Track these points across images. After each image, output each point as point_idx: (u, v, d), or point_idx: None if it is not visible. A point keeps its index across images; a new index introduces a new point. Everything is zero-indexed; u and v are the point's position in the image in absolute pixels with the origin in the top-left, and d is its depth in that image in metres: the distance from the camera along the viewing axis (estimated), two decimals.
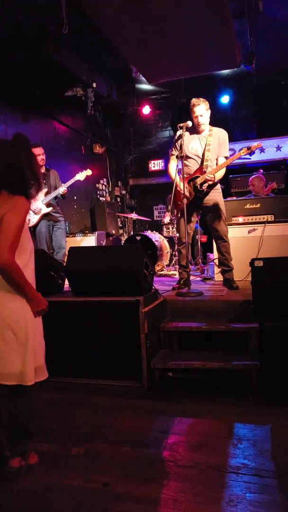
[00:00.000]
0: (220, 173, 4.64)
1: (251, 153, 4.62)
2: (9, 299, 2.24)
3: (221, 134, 4.70)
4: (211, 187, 4.65)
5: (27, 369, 2.24)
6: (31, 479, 2.31)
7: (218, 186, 4.76)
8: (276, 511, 1.97)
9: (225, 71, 9.16)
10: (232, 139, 9.82)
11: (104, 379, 3.65)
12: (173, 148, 4.76)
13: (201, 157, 4.67)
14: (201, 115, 4.59)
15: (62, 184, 6.02)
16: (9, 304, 2.24)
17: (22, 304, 2.27)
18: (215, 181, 4.59)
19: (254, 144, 4.64)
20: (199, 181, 4.58)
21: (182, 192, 4.46)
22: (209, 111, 4.67)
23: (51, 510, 2.08)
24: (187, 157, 4.65)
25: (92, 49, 7.37)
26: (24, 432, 2.39)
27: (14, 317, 2.24)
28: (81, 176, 6.17)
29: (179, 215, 4.83)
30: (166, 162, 11.19)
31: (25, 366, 2.24)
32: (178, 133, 4.51)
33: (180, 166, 4.62)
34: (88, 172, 6.27)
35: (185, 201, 4.41)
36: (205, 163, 4.63)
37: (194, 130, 4.70)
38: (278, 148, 9.52)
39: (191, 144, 4.68)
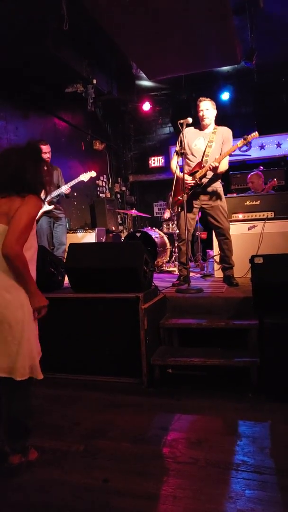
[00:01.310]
0: (224, 164, 4.59)
1: (249, 143, 4.57)
2: (8, 291, 2.25)
3: (225, 131, 4.69)
4: (210, 181, 4.65)
5: (18, 363, 2.24)
6: (31, 475, 2.32)
7: (219, 183, 4.75)
8: (276, 508, 1.97)
9: (226, 68, 9.13)
10: (232, 135, 9.85)
11: (104, 375, 3.66)
12: (177, 146, 4.77)
13: (202, 154, 4.67)
14: (206, 109, 4.59)
15: (65, 183, 6.01)
16: (7, 296, 2.25)
17: (21, 298, 2.28)
18: (218, 171, 4.57)
19: (250, 135, 4.53)
20: (198, 175, 4.57)
21: (183, 187, 4.46)
22: (215, 111, 4.69)
23: (51, 506, 2.09)
24: (191, 154, 4.65)
25: (92, 46, 7.34)
26: (22, 430, 2.39)
27: (11, 309, 2.25)
28: (85, 177, 6.15)
29: (178, 210, 4.83)
30: (166, 159, 11.24)
31: (17, 360, 2.24)
32: (185, 130, 4.51)
33: (181, 163, 4.63)
34: (93, 173, 6.24)
35: (184, 196, 4.42)
36: (204, 158, 4.61)
37: (199, 127, 4.70)
38: (278, 145, 9.51)
39: (195, 141, 4.69)
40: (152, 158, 11.04)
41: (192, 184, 4.57)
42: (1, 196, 2.33)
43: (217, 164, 4.48)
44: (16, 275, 2.24)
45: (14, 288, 2.26)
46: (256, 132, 4.56)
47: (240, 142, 4.55)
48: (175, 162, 4.77)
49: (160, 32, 6.41)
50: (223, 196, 4.76)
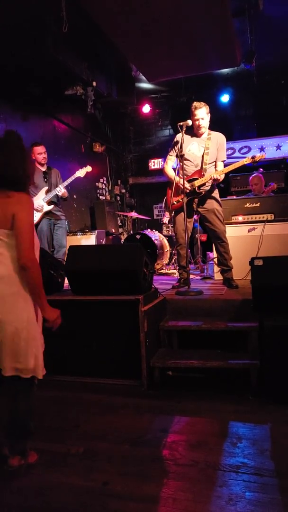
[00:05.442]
0: (222, 175, 4.69)
1: (255, 162, 4.69)
2: (11, 295, 2.28)
3: (220, 138, 4.74)
4: (208, 189, 4.68)
5: (40, 362, 2.33)
6: (31, 478, 2.31)
7: (215, 186, 4.79)
8: (276, 510, 1.97)
9: (225, 70, 9.15)
10: (232, 138, 9.86)
11: (103, 377, 3.65)
12: (171, 149, 4.79)
13: (198, 160, 4.70)
14: (202, 118, 4.61)
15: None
16: (10, 300, 2.29)
17: (26, 304, 2.32)
18: (220, 180, 4.65)
19: (258, 154, 4.74)
20: (197, 183, 4.60)
21: (182, 189, 4.47)
22: (209, 115, 4.71)
23: (50, 508, 2.08)
24: (184, 159, 4.66)
25: (92, 48, 7.36)
26: (24, 431, 2.40)
27: (16, 312, 2.29)
28: (81, 172, 6.17)
29: (172, 214, 4.84)
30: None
31: (38, 360, 2.32)
32: (178, 135, 4.54)
33: (176, 166, 4.66)
34: (88, 168, 6.26)
35: (185, 199, 4.43)
36: (204, 166, 4.66)
37: (193, 133, 4.72)
38: (278, 147, 9.51)
39: (189, 146, 4.70)
40: (152, 161, 11.05)
41: (189, 190, 4.59)
42: None
43: (218, 177, 4.56)
44: (31, 285, 2.29)
45: (16, 293, 2.29)
46: (264, 153, 4.83)
47: (248, 159, 4.67)
48: (169, 165, 4.79)
49: (160, 34, 6.43)
50: (218, 199, 4.78)
